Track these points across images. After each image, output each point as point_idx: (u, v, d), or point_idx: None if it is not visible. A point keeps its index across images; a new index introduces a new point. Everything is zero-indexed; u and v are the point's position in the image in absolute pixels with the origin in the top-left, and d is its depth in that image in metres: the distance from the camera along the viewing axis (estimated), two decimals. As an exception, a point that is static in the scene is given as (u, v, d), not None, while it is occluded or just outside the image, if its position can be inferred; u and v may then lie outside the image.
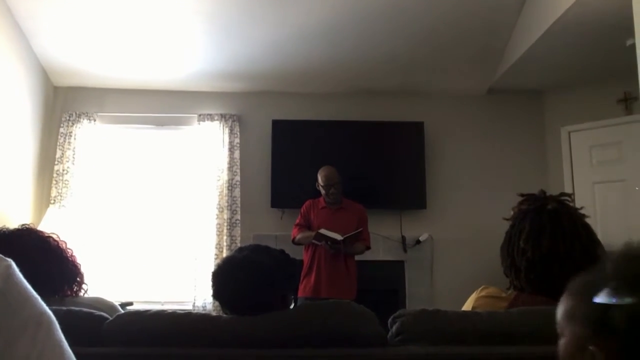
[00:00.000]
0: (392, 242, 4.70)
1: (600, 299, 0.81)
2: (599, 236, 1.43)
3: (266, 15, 3.99)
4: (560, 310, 0.90)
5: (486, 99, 4.99)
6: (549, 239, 1.33)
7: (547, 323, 1.19)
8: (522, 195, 1.49)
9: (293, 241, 3.86)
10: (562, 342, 0.87)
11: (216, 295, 1.50)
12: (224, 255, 4.48)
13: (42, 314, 0.65)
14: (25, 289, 0.65)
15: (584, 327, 0.84)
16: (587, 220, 1.46)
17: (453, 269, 4.64)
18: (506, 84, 4.77)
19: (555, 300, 1.29)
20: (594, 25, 3.52)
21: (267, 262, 1.48)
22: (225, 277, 1.49)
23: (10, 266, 0.64)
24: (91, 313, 1.45)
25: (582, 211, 1.47)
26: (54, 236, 1.79)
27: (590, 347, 0.82)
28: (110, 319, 1.42)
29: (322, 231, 3.62)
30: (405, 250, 4.71)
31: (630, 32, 2.71)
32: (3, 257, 0.65)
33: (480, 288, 1.50)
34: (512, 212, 1.48)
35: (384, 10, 3.92)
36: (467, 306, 1.50)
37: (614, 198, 4.40)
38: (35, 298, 0.66)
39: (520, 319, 1.23)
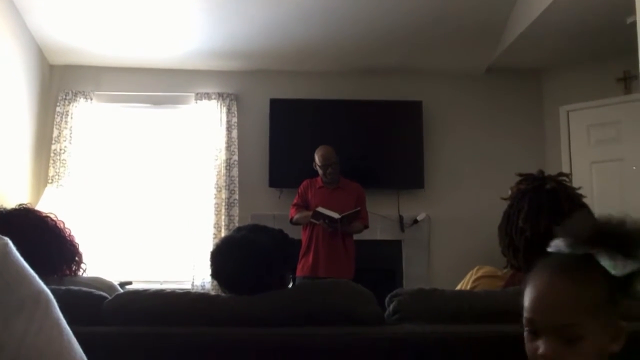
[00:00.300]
0: (389, 221, 4.72)
1: (628, 268, 0.86)
2: (597, 216, 1.43)
3: (263, -8, 3.94)
4: (573, 310, 0.86)
5: (485, 78, 4.97)
6: (548, 218, 1.33)
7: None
8: (520, 175, 1.48)
9: (291, 221, 3.87)
10: (582, 345, 0.84)
11: (215, 274, 1.50)
12: (222, 234, 4.49)
13: (40, 292, 0.65)
14: (22, 267, 0.65)
15: (610, 309, 0.88)
16: (585, 200, 1.46)
17: (450, 249, 4.66)
18: (505, 63, 4.74)
19: None
20: (593, 2, 3.48)
21: (265, 242, 1.49)
22: (224, 257, 1.49)
23: (7, 244, 0.64)
24: (90, 292, 1.46)
25: (579, 191, 1.47)
26: (52, 216, 1.79)
27: (621, 323, 0.87)
28: (110, 298, 1.43)
29: (320, 209, 3.63)
30: (402, 230, 4.73)
31: (631, 10, 2.68)
32: (0, 236, 0.65)
33: (475, 268, 1.50)
34: (510, 192, 1.48)
35: (383, -13, 3.88)
36: (464, 287, 1.51)
37: (611, 177, 4.41)
38: (33, 276, 0.66)
39: (517, 297, 1.24)
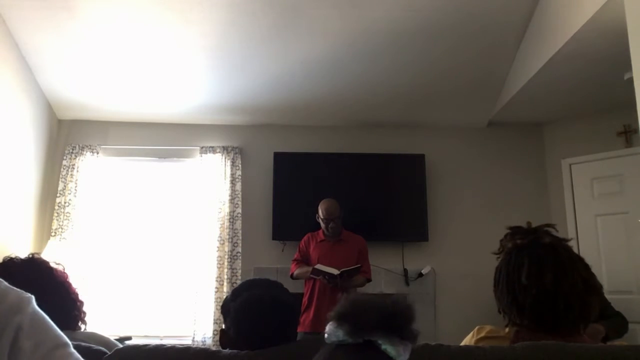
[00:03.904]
0: (394, 275, 4.67)
1: (407, 352, 0.83)
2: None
3: (269, 50, 4.05)
4: None
5: (487, 131, 5.03)
6: (552, 274, 1.31)
7: (551, 357, 1.18)
8: (510, 228, 1.46)
9: (291, 276, 3.83)
10: None
11: (244, 335, 1.46)
12: (225, 288, 4.44)
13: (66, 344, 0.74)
14: (46, 321, 0.74)
15: None
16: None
17: (456, 302, 4.58)
18: (506, 117, 4.81)
19: (558, 335, 1.27)
20: (591, 58, 3.56)
21: (289, 300, 1.50)
22: (256, 318, 1.46)
23: (30, 300, 0.71)
24: (89, 347, 1.43)
25: (569, 243, 1.44)
26: (60, 267, 1.78)
27: None
28: (109, 353, 1.40)
29: (318, 266, 3.60)
30: (407, 284, 4.66)
31: (628, 66, 2.74)
32: (24, 292, 0.71)
33: (476, 328, 1.46)
34: (499, 246, 1.45)
35: (386, 45, 3.99)
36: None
37: (616, 230, 4.38)
38: (56, 329, 0.76)
39: (524, 353, 1.21)
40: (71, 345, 0.72)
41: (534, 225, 1.44)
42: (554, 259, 1.33)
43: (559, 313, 1.30)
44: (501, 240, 1.45)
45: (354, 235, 3.92)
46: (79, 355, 0.72)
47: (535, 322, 1.32)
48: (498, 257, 1.45)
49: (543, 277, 1.31)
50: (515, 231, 1.43)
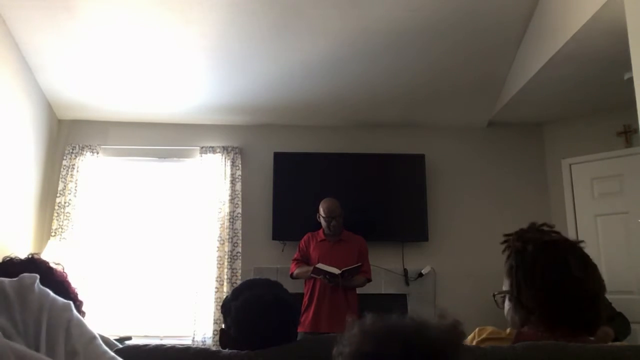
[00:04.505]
0: (394, 275, 4.67)
1: None
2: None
3: (269, 50, 4.05)
4: None
5: (487, 131, 5.02)
6: (580, 272, 1.31)
7: (551, 357, 1.17)
8: (530, 225, 1.45)
9: (291, 276, 3.84)
10: None
11: (245, 334, 1.46)
12: (225, 288, 4.44)
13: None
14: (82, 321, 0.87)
15: None
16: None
17: (456, 302, 4.58)
18: (506, 117, 4.80)
19: (562, 334, 1.27)
20: (591, 58, 3.56)
21: (291, 300, 1.50)
22: (257, 318, 1.46)
23: (70, 309, 0.84)
24: (89, 347, 1.43)
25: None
26: (59, 268, 1.77)
27: None
28: (108, 353, 1.39)
29: (320, 266, 3.61)
30: (407, 284, 4.67)
31: (628, 66, 2.74)
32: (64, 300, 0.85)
33: (477, 330, 1.46)
34: (508, 243, 1.45)
35: (386, 45, 3.98)
36: None
37: (616, 230, 4.38)
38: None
39: (524, 353, 1.20)
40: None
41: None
42: (580, 259, 1.33)
43: (580, 310, 1.29)
44: (515, 234, 1.44)
45: (354, 236, 3.92)
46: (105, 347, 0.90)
47: (551, 319, 1.31)
48: (504, 251, 1.44)
49: (571, 273, 1.30)
50: (533, 228, 1.43)
